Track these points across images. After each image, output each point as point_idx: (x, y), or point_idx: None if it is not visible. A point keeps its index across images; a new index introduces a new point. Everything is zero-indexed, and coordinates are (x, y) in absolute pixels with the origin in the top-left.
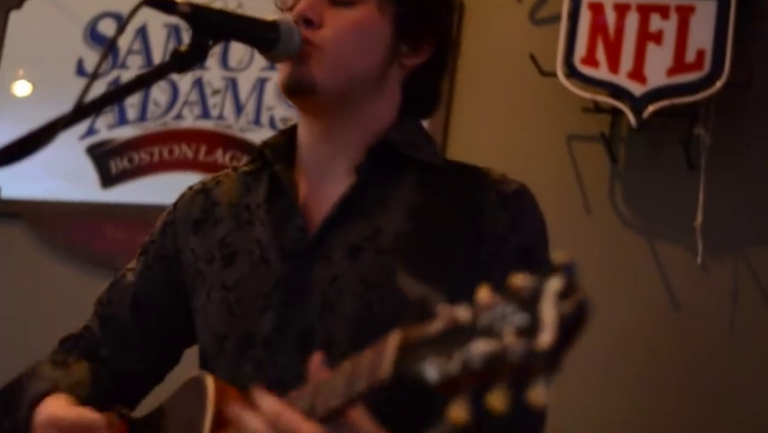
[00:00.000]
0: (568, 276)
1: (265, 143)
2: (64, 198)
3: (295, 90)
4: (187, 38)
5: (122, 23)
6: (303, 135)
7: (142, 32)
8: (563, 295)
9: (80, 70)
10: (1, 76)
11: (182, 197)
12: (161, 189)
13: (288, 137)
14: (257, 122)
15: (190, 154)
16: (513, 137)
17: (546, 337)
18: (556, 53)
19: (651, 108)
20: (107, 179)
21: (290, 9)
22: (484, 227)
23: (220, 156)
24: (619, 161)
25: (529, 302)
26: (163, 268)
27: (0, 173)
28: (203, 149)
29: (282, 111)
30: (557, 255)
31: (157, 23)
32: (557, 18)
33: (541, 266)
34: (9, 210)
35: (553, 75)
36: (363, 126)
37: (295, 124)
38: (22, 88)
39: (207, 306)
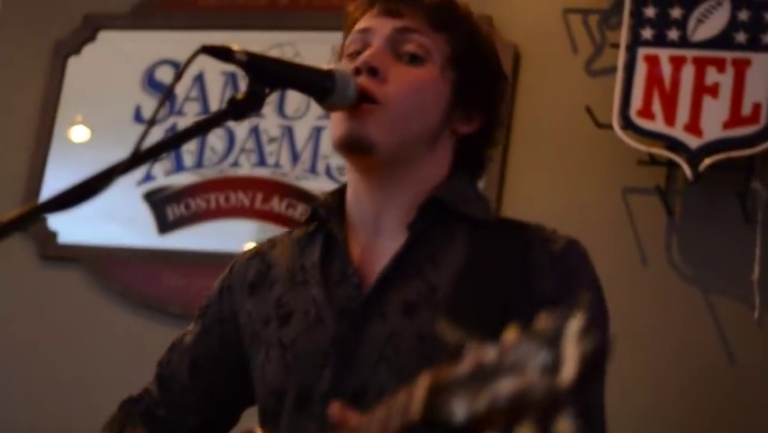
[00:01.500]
0: (587, 316)
1: (318, 204)
2: (121, 243)
3: (352, 147)
4: (243, 86)
5: (179, 70)
6: (353, 193)
7: (200, 80)
8: (584, 333)
9: (138, 117)
10: (59, 121)
11: (238, 261)
12: (217, 236)
13: (338, 196)
14: (313, 170)
15: (246, 202)
16: (568, 189)
17: (568, 373)
18: (612, 105)
19: (707, 161)
20: (164, 226)
21: (350, 56)
22: (533, 289)
23: (276, 204)
24: (675, 214)
25: (552, 341)
26: (220, 331)
27: (58, 218)
28: (259, 196)
29: (338, 160)
30: (578, 296)
31: (214, 70)
32: (613, 70)
33: (565, 308)
34: (66, 255)
35: (609, 127)
36: (414, 184)
37: (344, 184)
38: (79, 134)
39: (265, 365)
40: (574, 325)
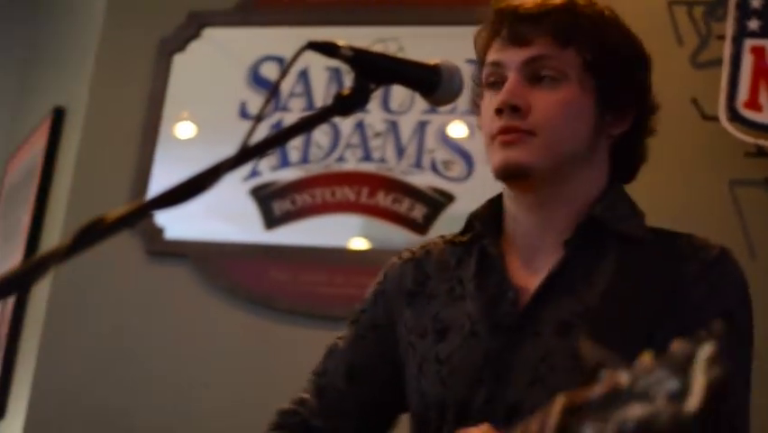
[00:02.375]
0: (718, 344)
1: (474, 215)
2: (227, 239)
3: (510, 176)
4: (348, 81)
5: (284, 66)
6: (511, 208)
7: (304, 75)
8: (713, 361)
9: (243, 113)
10: (165, 118)
11: (391, 266)
12: (323, 231)
13: (494, 207)
14: (418, 165)
15: (352, 196)
16: (675, 181)
17: (693, 402)
18: (718, 97)
19: None
20: (270, 221)
21: (490, 87)
22: (683, 299)
23: (381, 199)
24: None
25: (682, 367)
26: (376, 337)
27: (164, 214)
28: (365, 191)
29: (443, 154)
30: (714, 323)
31: (319, 65)
32: (719, 62)
33: (704, 331)
34: (173, 251)
35: (716, 119)
36: (573, 199)
37: (500, 194)
38: (185, 130)
39: (420, 378)
40: (705, 352)
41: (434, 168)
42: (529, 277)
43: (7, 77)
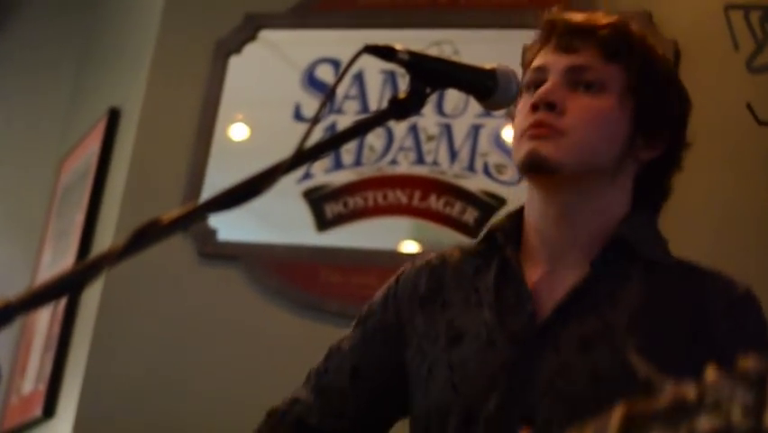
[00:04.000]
0: None
1: (495, 227)
2: (280, 241)
3: (537, 168)
4: (403, 84)
5: (340, 69)
6: (534, 220)
7: (359, 78)
8: None
9: (298, 115)
10: (220, 120)
11: (405, 271)
12: (375, 234)
13: (515, 220)
14: (471, 168)
15: (404, 200)
16: (729, 186)
17: None
18: None
19: None
20: (322, 223)
21: (528, 91)
22: (708, 334)
23: (433, 202)
24: None
25: (757, 383)
26: (383, 339)
27: (217, 216)
28: (417, 194)
29: (496, 158)
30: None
31: (373, 68)
32: None
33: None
34: (225, 253)
35: None
36: (597, 217)
37: (521, 207)
38: (240, 132)
39: (429, 382)
40: None
41: (486, 171)
42: (550, 290)
43: (63, 77)
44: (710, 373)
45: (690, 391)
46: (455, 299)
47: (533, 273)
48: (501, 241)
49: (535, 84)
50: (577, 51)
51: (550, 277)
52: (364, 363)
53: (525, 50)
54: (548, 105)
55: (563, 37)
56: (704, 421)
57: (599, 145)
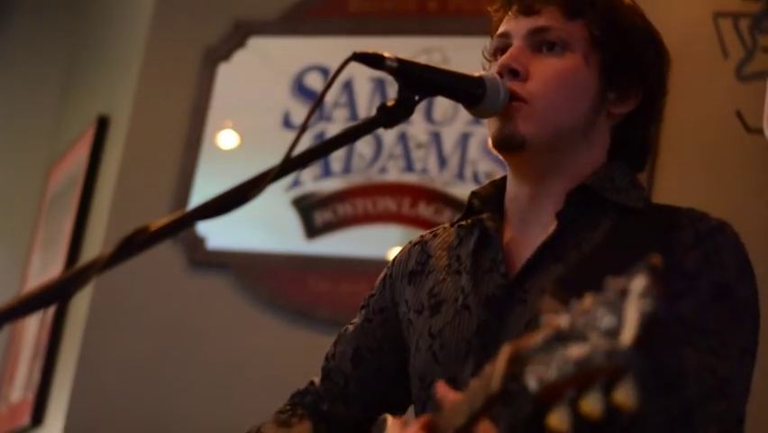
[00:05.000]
0: (652, 275)
1: (474, 193)
2: (268, 248)
3: (504, 145)
4: (392, 91)
5: (329, 76)
6: (510, 185)
7: (348, 86)
8: (645, 294)
9: (287, 123)
10: (209, 127)
11: (401, 250)
12: (364, 242)
13: (497, 187)
14: (460, 176)
15: (393, 207)
16: (719, 194)
17: (627, 336)
18: (763, 110)
19: None
20: (311, 231)
21: (494, 56)
22: (675, 266)
23: (423, 210)
24: None
25: (616, 303)
26: (382, 320)
27: (206, 223)
28: (406, 202)
29: (486, 165)
30: (647, 257)
31: (362, 76)
32: (764, 74)
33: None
34: (215, 261)
35: (760, 132)
36: (570, 174)
37: (505, 175)
38: (228, 140)
39: (416, 354)
40: (637, 285)
41: (476, 179)
42: (524, 250)
43: (51, 85)
44: (583, 300)
45: (563, 320)
46: (438, 268)
47: (509, 235)
48: (477, 206)
49: (501, 50)
50: (538, 13)
51: (523, 237)
52: (365, 346)
53: (490, 17)
54: (511, 72)
55: (524, 0)
56: (572, 350)
57: (566, 105)
